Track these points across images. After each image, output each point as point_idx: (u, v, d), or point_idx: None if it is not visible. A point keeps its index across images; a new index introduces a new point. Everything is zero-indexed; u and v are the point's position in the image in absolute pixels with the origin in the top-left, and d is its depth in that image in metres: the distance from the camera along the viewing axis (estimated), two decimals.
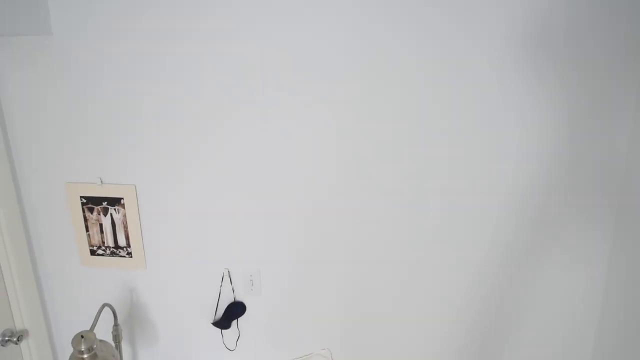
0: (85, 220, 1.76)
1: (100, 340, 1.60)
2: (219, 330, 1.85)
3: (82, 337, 1.51)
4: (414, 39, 1.41)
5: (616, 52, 1.37)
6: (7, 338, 1.76)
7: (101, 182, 1.70)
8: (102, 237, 1.78)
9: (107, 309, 1.87)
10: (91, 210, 1.74)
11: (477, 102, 1.45)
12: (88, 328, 1.84)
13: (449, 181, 1.54)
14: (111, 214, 1.74)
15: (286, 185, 1.62)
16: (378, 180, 1.57)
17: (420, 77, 1.45)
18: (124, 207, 1.72)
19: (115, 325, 1.75)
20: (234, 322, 1.83)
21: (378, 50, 1.43)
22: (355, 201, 1.60)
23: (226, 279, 1.78)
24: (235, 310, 1.79)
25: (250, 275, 1.75)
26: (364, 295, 1.73)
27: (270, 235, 1.69)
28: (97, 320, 1.59)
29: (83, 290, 1.88)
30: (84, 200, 1.73)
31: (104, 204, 1.73)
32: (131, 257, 1.79)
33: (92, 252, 1.81)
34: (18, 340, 1.78)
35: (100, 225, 1.76)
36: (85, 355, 1.51)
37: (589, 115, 1.43)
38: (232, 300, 1.80)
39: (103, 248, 1.80)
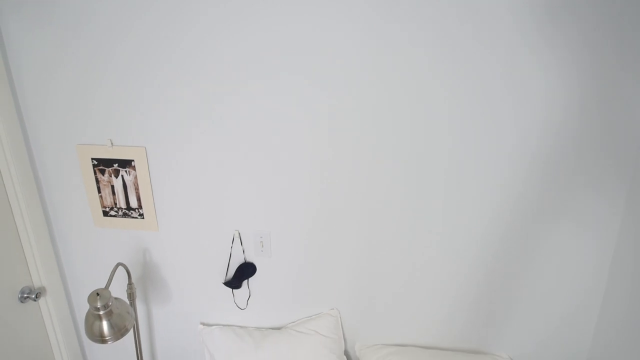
0: (97, 182, 1.78)
1: (116, 298, 1.64)
2: (230, 289, 1.90)
3: (97, 294, 1.55)
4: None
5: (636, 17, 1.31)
6: (25, 295, 1.82)
7: (111, 144, 1.71)
8: (114, 199, 1.80)
9: (121, 268, 1.91)
10: (102, 172, 1.76)
11: (488, 60, 1.41)
12: (103, 286, 1.89)
13: (458, 144, 1.52)
14: (122, 176, 1.75)
15: (297, 149, 1.61)
16: (390, 141, 1.56)
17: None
18: (134, 169, 1.73)
19: (130, 283, 1.80)
20: (245, 282, 1.87)
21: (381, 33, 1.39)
22: (367, 163, 1.60)
23: (237, 240, 1.80)
24: (245, 270, 1.82)
25: (261, 237, 1.77)
26: (373, 257, 1.75)
27: (280, 198, 1.70)
28: (111, 279, 1.63)
29: (97, 250, 1.93)
30: (95, 162, 1.75)
31: (115, 165, 1.74)
32: (143, 218, 1.82)
33: (105, 214, 1.84)
34: (36, 297, 1.84)
35: (112, 187, 1.78)
36: (101, 312, 1.55)
37: (603, 82, 1.39)
38: (242, 261, 1.84)
39: (115, 209, 1.82)
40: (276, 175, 1.67)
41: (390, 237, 1.71)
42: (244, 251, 1.82)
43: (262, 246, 1.78)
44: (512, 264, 1.68)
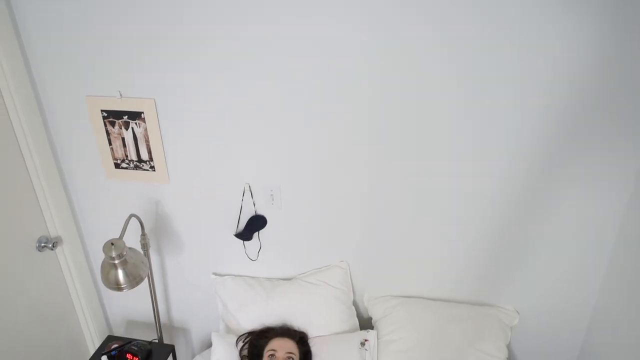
0: (108, 134, 1.78)
1: (130, 248, 1.68)
2: (241, 241, 1.93)
3: (112, 244, 1.59)
4: None
5: None
6: (42, 244, 1.87)
7: (120, 95, 1.69)
8: (125, 151, 1.81)
9: (134, 219, 1.95)
10: (112, 124, 1.75)
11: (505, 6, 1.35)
12: (117, 237, 1.93)
13: (472, 95, 1.49)
14: (132, 128, 1.75)
15: (307, 103, 1.58)
16: (401, 97, 1.52)
17: None
18: (144, 121, 1.72)
19: (143, 234, 1.83)
20: (256, 234, 1.90)
21: None
22: (377, 118, 1.57)
23: (247, 193, 1.81)
24: (256, 223, 1.85)
25: (271, 190, 1.78)
26: (382, 211, 1.76)
27: (290, 151, 1.69)
28: (125, 230, 1.66)
29: (110, 201, 1.96)
30: (105, 114, 1.74)
31: (125, 117, 1.73)
32: (154, 170, 1.83)
33: (117, 166, 1.85)
34: (53, 246, 1.89)
35: (123, 139, 1.78)
36: (116, 261, 1.59)
37: (621, 41, 1.32)
38: (253, 213, 1.85)
39: (127, 162, 1.83)
40: (286, 129, 1.65)
41: (399, 191, 1.70)
42: (254, 204, 1.83)
43: (273, 199, 1.80)
44: (520, 218, 1.68)
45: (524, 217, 1.67)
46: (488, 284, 1.84)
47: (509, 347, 1.94)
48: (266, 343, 1.70)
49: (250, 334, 1.81)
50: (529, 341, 1.94)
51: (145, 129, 1.74)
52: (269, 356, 1.63)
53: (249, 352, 1.75)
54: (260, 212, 1.85)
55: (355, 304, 1.99)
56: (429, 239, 1.78)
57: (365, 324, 2.01)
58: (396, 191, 1.70)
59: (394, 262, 1.86)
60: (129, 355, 1.90)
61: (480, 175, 1.62)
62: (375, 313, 1.90)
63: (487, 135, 1.54)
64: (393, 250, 1.84)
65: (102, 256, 2.12)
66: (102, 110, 1.73)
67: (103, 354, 1.89)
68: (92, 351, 2.28)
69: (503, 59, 1.41)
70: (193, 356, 2.36)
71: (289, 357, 1.62)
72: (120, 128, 1.76)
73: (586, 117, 1.45)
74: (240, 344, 1.79)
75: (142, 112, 1.71)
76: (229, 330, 1.95)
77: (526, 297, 1.84)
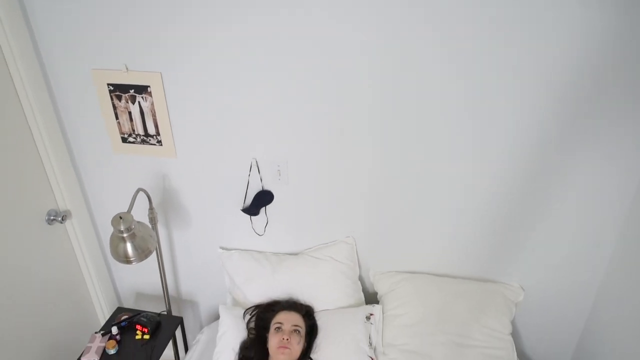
0: (114, 108, 1.78)
1: (138, 222, 1.69)
2: (248, 216, 1.94)
3: (120, 217, 1.60)
4: None
5: None
6: (52, 217, 1.89)
7: (127, 68, 1.68)
8: (132, 125, 1.81)
9: (142, 193, 1.96)
10: (119, 98, 1.75)
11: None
12: (126, 211, 1.94)
13: (480, 71, 1.46)
14: (139, 102, 1.74)
15: (314, 78, 1.56)
16: (408, 71, 1.50)
17: None
18: (150, 95, 1.71)
19: (151, 208, 1.85)
20: (262, 209, 1.90)
21: None
22: (385, 92, 1.55)
23: (254, 168, 1.81)
24: (263, 198, 1.85)
25: (278, 166, 1.78)
26: (388, 187, 1.75)
27: (297, 127, 1.68)
28: (133, 203, 1.67)
29: (118, 175, 1.96)
30: (111, 88, 1.73)
31: (131, 91, 1.72)
32: (161, 145, 1.83)
33: (124, 140, 1.85)
34: (62, 219, 1.91)
35: (129, 113, 1.78)
36: (125, 234, 1.61)
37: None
38: (260, 189, 1.86)
39: (134, 136, 1.83)
40: (294, 105, 1.64)
41: (405, 168, 1.69)
42: (261, 179, 1.83)
43: (279, 174, 1.79)
44: (527, 195, 1.67)
45: (531, 194, 1.66)
46: (493, 260, 1.85)
47: (513, 322, 1.96)
48: (273, 316, 1.73)
49: (257, 307, 1.84)
50: (533, 317, 1.95)
51: (152, 103, 1.73)
52: (275, 329, 1.66)
53: (255, 324, 1.77)
54: (267, 187, 1.85)
55: (360, 279, 2.01)
56: (435, 215, 1.78)
57: (371, 298, 2.03)
58: (402, 168, 1.69)
59: (399, 237, 1.87)
60: (138, 327, 1.94)
61: (486, 153, 1.60)
62: (380, 288, 1.92)
63: (494, 111, 1.52)
64: (399, 226, 1.84)
65: (110, 229, 2.14)
66: (108, 84, 1.72)
67: (113, 325, 1.93)
68: (102, 322, 2.33)
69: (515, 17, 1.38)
70: (201, 328, 2.41)
71: (295, 330, 1.65)
72: (127, 102, 1.75)
73: (600, 98, 1.43)
74: (248, 316, 1.81)
75: (149, 86, 1.70)
76: (236, 303, 1.98)
77: (531, 274, 1.85)
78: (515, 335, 2.01)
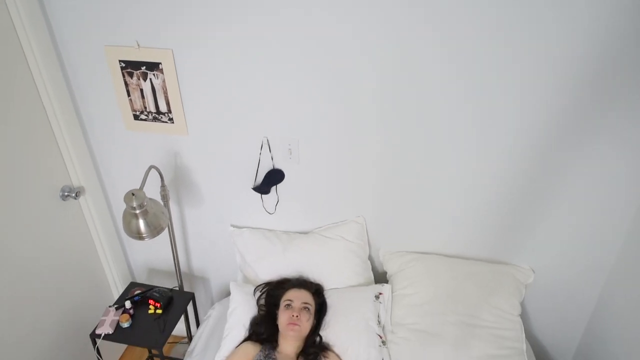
0: (126, 85, 1.78)
1: (150, 199, 1.71)
2: (259, 194, 1.94)
3: (133, 194, 1.62)
4: None
5: None
6: (66, 194, 1.92)
7: (138, 45, 1.67)
8: (144, 103, 1.81)
9: (154, 170, 1.97)
10: (131, 74, 1.74)
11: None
12: (138, 188, 1.96)
13: (495, 53, 1.43)
14: (150, 79, 1.74)
15: (327, 57, 1.54)
16: (419, 50, 1.47)
17: None
18: (162, 73, 1.71)
19: (162, 186, 1.86)
20: (273, 188, 1.91)
21: None
22: (396, 73, 1.53)
23: (265, 147, 1.81)
24: (274, 177, 1.85)
25: (289, 144, 1.77)
26: (399, 167, 1.74)
27: (309, 105, 1.67)
28: (145, 180, 1.69)
29: (130, 153, 1.98)
30: (123, 65, 1.73)
31: (143, 68, 1.72)
32: (173, 122, 1.83)
33: (136, 117, 1.85)
34: (76, 195, 1.94)
35: (141, 90, 1.77)
36: (137, 211, 1.63)
37: None
38: (271, 167, 1.86)
39: (145, 113, 1.83)
40: (306, 82, 1.62)
41: (417, 147, 1.68)
42: (272, 158, 1.83)
43: (291, 153, 1.79)
44: (540, 177, 1.65)
45: (543, 176, 1.64)
46: (505, 242, 1.84)
47: (522, 304, 1.96)
48: (283, 293, 1.75)
49: (268, 284, 1.86)
50: (543, 299, 1.95)
51: (164, 81, 1.73)
52: (285, 306, 1.68)
53: (266, 301, 1.80)
54: (278, 166, 1.85)
55: (370, 258, 2.02)
56: (446, 196, 1.77)
57: (380, 278, 2.04)
58: (413, 148, 1.68)
59: (410, 218, 1.87)
60: (151, 301, 1.98)
61: (497, 133, 1.58)
62: (390, 268, 1.93)
63: (509, 90, 1.49)
64: (409, 206, 1.83)
65: (123, 206, 2.17)
66: (120, 61, 1.72)
67: (126, 299, 1.97)
68: (116, 296, 2.38)
69: None
70: (212, 304, 2.45)
71: (304, 308, 1.67)
72: (139, 79, 1.75)
73: (612, 86, 1.39)
74: (258, 293, 1.84)
75: (160, 63, 1.69)
76: (246, 280, 2.00)
77: (542, 257, 1.84)
78: (524, 316, 2.01)
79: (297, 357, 1.62)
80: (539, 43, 1.38)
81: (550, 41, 1.37)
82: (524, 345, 1.69)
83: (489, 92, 1.51)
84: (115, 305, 1.96)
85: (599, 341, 1.85)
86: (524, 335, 1.72)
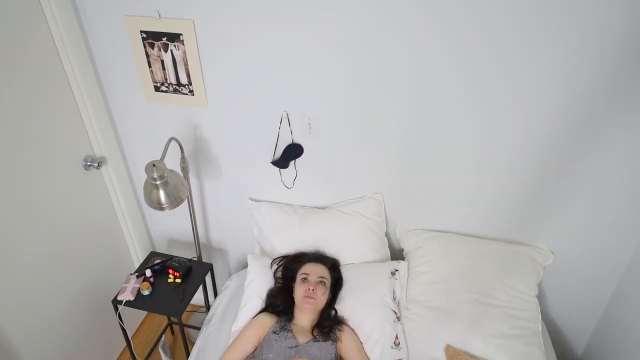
0: (147, 56, 1.77)
1: (170, 170, 1.73)
2: (277, 169, 1.95)
3: (153, 165, 1.64)
4: None
5: None
6: (89, 163, 1.95)
7: (159, 15, 1.66)
8: (164, 74, 1.81)
9: (174, 142, 1.99)
10: (152, 45, 1.74)
11: None
12: (158, 159, 1.98)
13: (521, 30, 1.38)
14: (171, 51, 1.73)
15: (348, 31, 1.51)
16: (440, 23, 1.43)
17: None
18: (183, 44, 1.70)
19: (182, 158, 1.88)
20: (292, 162, 1.91)
21: None
22: (416, 49, 1.49)
23: (284, 121, 1.80)
24: (293, 151, 1.85)
25: (309, 119, 1.76)
26: (418, 144, 1.72)
27: (329, 80, 1.65)
28: (165, 152, 1.70)
29: (151, 124, 1.99)
30: (144, 35, 1.72)
31: (164, 39, 1.71)
32: (193, 95, 1.83)
33: (156, 89, 1.86)
34: (99, 165, 1.97)
35: (162, 61, 1.77)
36: (158, 182, 1.65)
37: None
38: (290, 142, 1.85)
39: (166, 85, 1.83)
40: (327, 57, 1.60)
41: (436, 125, 1.65)
42: (291, 132, 1.82)
43: (310, 128, 1.78)
44: (564, 159, 1.61)
45: (567, 157, 1.60)
46: (524, 222, 1.82)
47: (540, 285, 1.95)
48: (299, 267, 1.76)
49: (285, 257, 1.88)
50: (561, 282, 1.93)
51: (184, 52, 1.72)
52: (301, 279, 1.70)
53: (282, 274, 1.82)
54: (297, 140, 1.85)
55: (387, 235, 2.02)
56: (465, 174, 1.75)
57: (397, 255, 2.04)
58: (433, 125, 1.65)
59: (428, 196, 1.85)
60: (170, 270, 2.02)
61: (522, 110, 1.54)
62: (407, 245, 1.93)
63: (536, 67, 1.44)
64: (428, 184, 1.82)
65: (144, 177, 2.20)
66: (141, 32, 1.72)
67: (147, 268, 2.01)
68: (137, 265, 2.44)
69: None
70: (230, 275, 2.50)
71: (320, 282, 1.69)
72: (160, 50, 1.75)
73: None
74: (275, 266, 1.86)
75: (181, 34, 1.68)
76: (263, 253, 2.03)
77: (563, 239, 1.81)
78: (541, 297, 2.00)
79: (312, 330, 1.65)
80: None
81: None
82: (539, 326, 1.68)
83: (512, 66, 1.46)
84: (136, 273, 2.01)
85: (616, 327, 1.84)
86: (540, 316, 1.71)
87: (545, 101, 1.50)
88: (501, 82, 1.50)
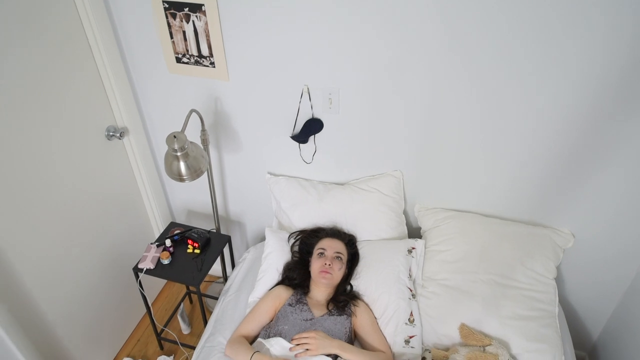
0: (169, 27, 1.77)
1: (191, 142, 1.74)
2: (297, 143, 1.94)
3: (174, 136, 1.65)
4: None
5: None
6: (111, 133, 1.97)
7: None
8: (186, 45, 1.80)
9: (194, 114, 1.99)
10: (174, 16, 1.73)
11: None
12: (179, 130, 1.99)
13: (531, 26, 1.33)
14: (193, 21, 1.72)
15: (373, 6, 1.48)
16: (468, 12, 1.38)
17: None
18: (205, 15, 1.68)
19: (203, 130, 1.88)
20: (312, 137, 1.90)
21: None
22: (439, 26, 1.45)
23: (305, 95, 1.79)
24: (313, 126, 1.84)
25: (330, 94, 1.74)
26: (440, 122, 1.69)
27: (351, 55, 1.62)
28: (186, 124, 1.71)
29: (172, 95, 2.00)
30: (166, 5, 1.71)
31: (186, 10, 1.70)
32: (214, 67, 1.82)
33: (178, 60, 1.85)
34: (121, 136, 1.99)
35: (184, 32, 1.76)
36: (178, 153, 1.66)
37: None
38: (310, 116, 1.84)
39: (187, 56, 1.83)
40: (349, 32, 1.57)
41: (459, 104, 1.62)
42: (312, 107, 1.81)
43: (331, 103, 1.76)
44: (590, 138, 1.56)
45: (592, 143, 1.56)
46: (546, 204, 1.79)
47: (559, 268, 1.93)
48: (316, 242, 1.78)
49: (302, 232, 1.89)
50: (581, 265, 1.91)
51: (206, 23, 1.71)
52: (318, 254, 1.71)
53: (299, 248, 1.84)
54: (317, 115, 1.83)
55: (405, 212, 2.01)
56: (487, 153, 1.72)
57: (414, 233, 2.04)
58: (455, 102, 1.62)
59: (448, 174, 1.83)
60: (189, 241, 2.06)
61: (550, 87, 1.49)
62: (425, 223, 1.92)
63: (559, 47, 1.39)
64: (448, 162, 1.79)
65: (164, 148, 2.22)
66: (163, 1, 1.70)
67: (167, 238, 2.05)
68: (157, 234, 2.48)
69: None
70: (247, 247, 2.53)
71: (337, 257, 1.70)
72: (181, 21, 1.73)
73: None
74: (292, 240, 1.88)
75: (203, 5, 1.66)
76: (281, 226, 2.04)
77: (586, 223, 1.78)
78: (559, 280, 1.98)
79: (327, 304, 1.67)
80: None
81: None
82: (556, 308, 1.67)
83: (542, 42, 1.41)
84: (157, 243, 2.05)
85: (635, 312, 1.81)
86: (557, 299, 1.69)
87: (574, 80, 1.45)
88: (528, 59, 1.45)
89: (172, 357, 2.30)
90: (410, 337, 1.62)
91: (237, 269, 2.02)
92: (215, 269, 2.65)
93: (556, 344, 1.56)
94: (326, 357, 1.46)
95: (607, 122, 1.51)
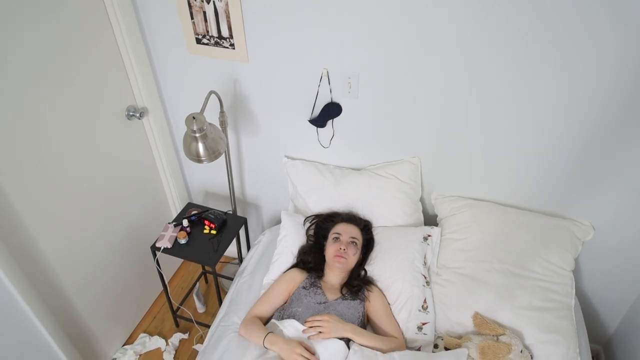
0: (190, 7, 1.76)
1: (210, 123, 1.74)
2: (314, 127, 1.94)
3: (193, 118, 1.65)
4: None
5: None
6: (131, 113, 1.99)
7: None
8: (206, 26, 1.79)
9: (213, 96, 2.00)
10: None
11: None
12: (198, 111, 2.00)
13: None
14: (214, 2, 1.71)
15: None
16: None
17: None
18: None
19: (222, 112, 1.89)
20: (330, 121, 1.89)
21: None
22: (463, 8, 1.41)
23: (324, 79, 1.77)
24: (331, 110, 1.83)
25: (349, 78, 1.73)
26: (460, 110, 1.66)
27: (372, 39, 1.60)
28: (205, 105, 1.71)
29: (192, 76, 2.00)
30: None
31: None
32: (234, 48, 1.82)
33: (198, 41, 1.85)
34: (140, 116, 2.01)
35: (204, 13, 1.76)
36: (197, 134, 1.67)
37: None
38: (329, 100, 1.83)
39: (208, 37, 1.82)
40: (371, 16, 1.54)
41: (480, 91, 1.58)
42: (331, 91, 1.80)
43: (350, 87, 1.75)
44: (612, 127, 1.52)
45: (616, 127, 1.51)
46: (566, 195, 1.75)
47: (577, 260, 1.90)
48: (332, 226, 1.78)
49: (318, 216, 1.89)
50: (600, 258, 1.88)
51: (227, 4, 1.70)
52: (333, 239, 1.72)
53: (315, 232, 1.84)
54: (336, 99, 1.82)
55: (422, 200, 2.00)
56: (508, 142, 1.69)
57: (430, 220, 2.03)
58: (476, 91, 1.59)
59: (466, 162, 1.81)
60: (206, 222, 2.08)
61: (571, 77, 1.46)
62: (441, 211, 1.91)
63: (583, 31, 1.35)
64: (467, 150, 1.77)
65: (183, 129, 2.23)
66: None
67: (184, 218, 2.08)
68: (174, 214, 2.52)
69: None
70: (263, 230, 2.55)
71: (352, 242, 1.70)
72: (202, 1, 1.73)
73: None
74: (308, 224, 1.88)
75: None
76: (297, 210, 2.05)
77: (606, 215, 1.74)
78: (576, 272, 1.96)
79: (341, 288, 1.68)
80: None
81: None
82: (572, 300, 1.65)
83: (567, 34, 1.37)
84: (174, 223, 2.08)
85: None
86: (574, 291, 1.68)
87: (599, 71, 1.41)
88: (553, 49, 1.41)
89: (187, 334, 2.35)
90: (423, 324, 1.62)
91: (252, 250, 2.03)
92: (231, 250, 2.68)
93: (571, 336, 1.55)
94: (339, 340, 1.48)
95: (631, 115, 1.47)
